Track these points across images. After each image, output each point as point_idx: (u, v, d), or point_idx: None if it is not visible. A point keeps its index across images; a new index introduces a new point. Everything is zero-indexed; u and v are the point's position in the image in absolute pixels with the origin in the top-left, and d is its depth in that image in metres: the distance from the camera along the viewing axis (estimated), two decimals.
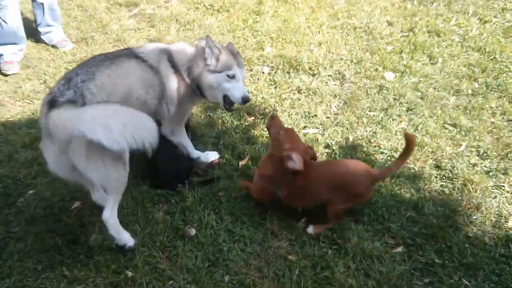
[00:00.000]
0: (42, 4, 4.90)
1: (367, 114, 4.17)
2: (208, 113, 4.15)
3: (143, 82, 3.02)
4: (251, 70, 4.72)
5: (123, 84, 2.90)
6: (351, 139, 3.88)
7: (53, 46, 5.07)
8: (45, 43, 5.13)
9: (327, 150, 3.80)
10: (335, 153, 3.75)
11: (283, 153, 2.91)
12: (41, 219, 3.17)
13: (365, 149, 3.81)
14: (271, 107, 4.22)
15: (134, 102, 2.95)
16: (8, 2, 4.44)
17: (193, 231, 3.08)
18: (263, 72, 4.69)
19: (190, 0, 5.95)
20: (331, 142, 3.85)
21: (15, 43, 4.73)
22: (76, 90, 2.65)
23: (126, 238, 2.94)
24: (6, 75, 4.66)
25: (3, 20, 4.53)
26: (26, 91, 4.42)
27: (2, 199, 3.29)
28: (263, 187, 3.15)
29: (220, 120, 4.07)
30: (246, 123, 4.05)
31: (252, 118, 4.12)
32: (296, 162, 2.84)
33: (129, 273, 2.81)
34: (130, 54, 3.09)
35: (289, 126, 3.86)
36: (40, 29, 5.07)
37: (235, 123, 4.05)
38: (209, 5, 5.85)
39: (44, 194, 3.35)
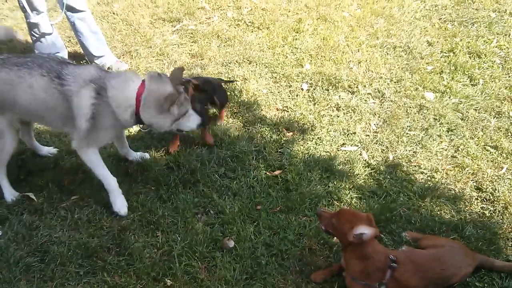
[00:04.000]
0: (83, 32, 4.89)
1: (407, 133, 4.15)
2: (248, 127, 4.20)
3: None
4: (290, 86, 4.76)
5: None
6: (391, 158, 3.87)
7: (108, 68, 5.02)
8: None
9: (366, 169, 3.79)
10: (376, 171, 3.75)
11: (349, 237, 2.61)
12: (83, 225, 3.25)
13: (405, 168, 3.78)
14: (310, 123, 4.24)
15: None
16: (39, 20, 4.58)
17: (231, 243, 3.11)
18: (302, 89, 4.72)
19: (231, 17, 6.06)
20: (371, 161, 3.86)
21: (58, 52, 4.90)
22: None
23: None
24: None
25: (42, 35, 4.74)
26: None
27: (46, 204, 3.38)
28: None
29: (259, 135, 4.11)
30: (284, 138, 4.07)
31: (291, 133, 4.14)
32: (366, 231, 2.56)
33: (168, 281, 2.86)
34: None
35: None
36: (92, 53, 5.02)
37: (273, 137, 4.08)
38: (250, 22, 5.93)
39: (87, 201, 3.44)
